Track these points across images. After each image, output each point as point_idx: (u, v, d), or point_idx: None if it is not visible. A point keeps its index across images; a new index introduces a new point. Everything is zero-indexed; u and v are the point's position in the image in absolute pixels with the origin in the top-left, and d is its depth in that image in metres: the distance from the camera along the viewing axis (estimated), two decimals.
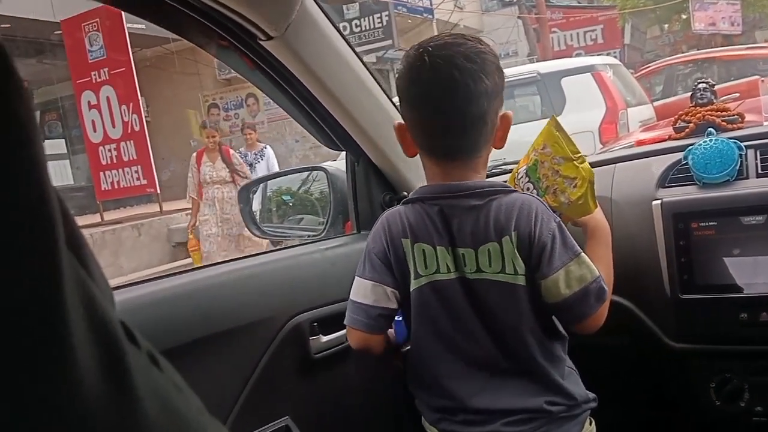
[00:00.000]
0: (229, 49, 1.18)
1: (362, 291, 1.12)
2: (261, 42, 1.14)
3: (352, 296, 1.13)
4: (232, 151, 6.39)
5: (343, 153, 1.51)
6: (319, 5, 1.18)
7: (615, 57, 11.71)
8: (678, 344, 1.23)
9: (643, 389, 1.44)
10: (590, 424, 1.11)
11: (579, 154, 1.17)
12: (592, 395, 1.11)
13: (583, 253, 1.04)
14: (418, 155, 1.12)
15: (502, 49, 17.49)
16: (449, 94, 1.00)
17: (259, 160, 6.59)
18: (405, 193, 1.49)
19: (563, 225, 1.05)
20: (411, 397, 1.18)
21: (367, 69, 1.35)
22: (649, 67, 10.58)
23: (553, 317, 1.10)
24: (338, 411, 1.29)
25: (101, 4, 1.08)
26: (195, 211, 6.43)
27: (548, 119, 1.22)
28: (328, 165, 1.73)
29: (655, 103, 7.53)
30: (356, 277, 1.13)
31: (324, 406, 1.26)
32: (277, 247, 1.40)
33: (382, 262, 1.11)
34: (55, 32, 9.66)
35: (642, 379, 1.43)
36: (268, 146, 6.83)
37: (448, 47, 1.02)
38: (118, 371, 0.28)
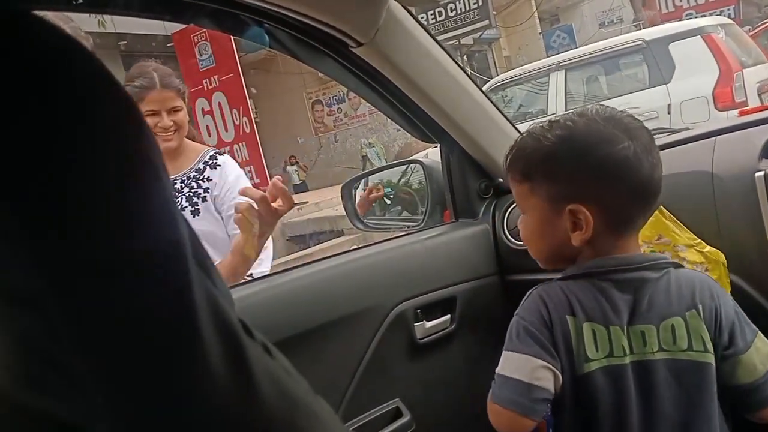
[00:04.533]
0: (323, 57, 1.26)
1: (521, 367, 0.95)
2: (352, 49, 1.22)
3: (502, 371, 0.97)
4: None
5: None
6: (407, 8, 1.24)
7: (729, 14, 10.96)
8: None
9: None
10: None
11: (697, 240, 1.13)
12: None
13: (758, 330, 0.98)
14: None
15: (606, 16, 16.78)
16: (646, 161, 0.95)
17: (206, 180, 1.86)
18: (500, 180, 1.53)
19: None
20: None
21: (456, 63, 1.39)
22: (767, 22, 9.83)
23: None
24: (446, 393, 1.35)
25: None
26: None
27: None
28: (424, 157, 1.79)
29: None
30: (508, 351, 0.98)
31: (431, 388, 1.33)
32: (380, 240, 1.48)
33: (544, 338, 0.95)
34: (168, 45, 10.28)
35: None
36: (219, 151, 2.00)
37: (617, 115, 0.98)
38: (240, 362, 0.35)
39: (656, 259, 0.99)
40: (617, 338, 0.94)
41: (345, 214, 1.76)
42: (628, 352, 0.94)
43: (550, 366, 0.94)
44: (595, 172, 0.95)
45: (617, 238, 0.98)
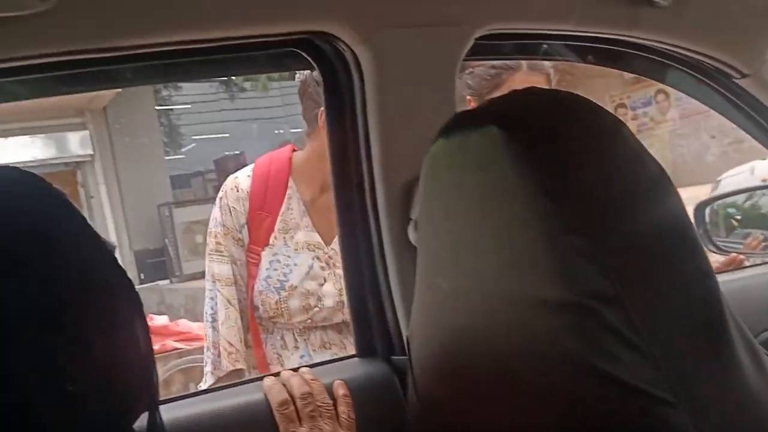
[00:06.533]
0: (703, 87, 1.30)
1: None
2: (735, 80, 1.24)
3: None
4: None
5: None
6: None
7: None
8: None
9: None
10: None
11: None
12: None
13: None
14: None
15: None
16: None
17: None
18: None
19: None
20: None
21: None
22: None
23: None
24: None
25: None
26: None
27: None
28: (749, 172, 1.71)
29: None
30: None
31: None
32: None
33: None
34: None
35: None
36: None
37: None
38: (755, 354, 0.47)
39: None
40: None
41: None
42: None
43: None
44: None
45: None
